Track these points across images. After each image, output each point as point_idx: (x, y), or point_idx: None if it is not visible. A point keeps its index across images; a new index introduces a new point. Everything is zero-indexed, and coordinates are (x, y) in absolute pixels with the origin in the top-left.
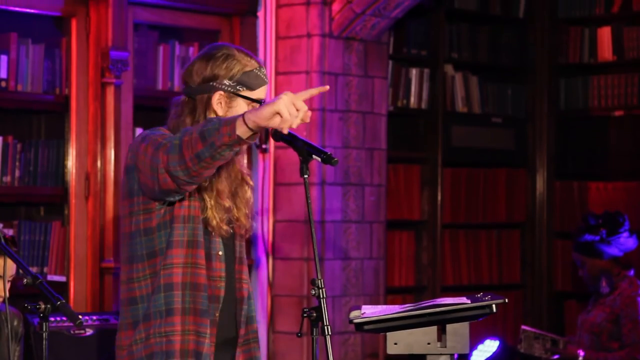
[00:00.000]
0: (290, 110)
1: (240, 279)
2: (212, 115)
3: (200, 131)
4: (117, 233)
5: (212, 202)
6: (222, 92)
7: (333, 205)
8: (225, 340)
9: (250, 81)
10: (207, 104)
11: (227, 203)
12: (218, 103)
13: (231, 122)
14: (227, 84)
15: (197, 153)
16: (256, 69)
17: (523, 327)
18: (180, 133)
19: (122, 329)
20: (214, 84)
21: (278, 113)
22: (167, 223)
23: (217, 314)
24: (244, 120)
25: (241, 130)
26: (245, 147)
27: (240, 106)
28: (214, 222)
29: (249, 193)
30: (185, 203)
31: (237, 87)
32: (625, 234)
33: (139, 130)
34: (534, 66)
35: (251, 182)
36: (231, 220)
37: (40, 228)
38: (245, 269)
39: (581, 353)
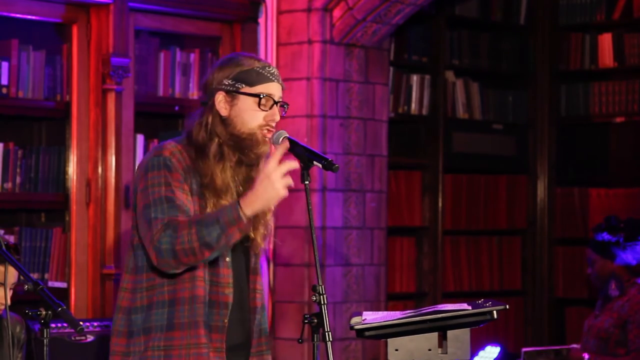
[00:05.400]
0: (280, 184)
1: (255, 289)
2: (216, 117)
3: (203, 242)
4: (118, 239)
5: (212, 202)
6: (223, 92)
7: (334, 212)
8: (237, 347)
9: (248, 78)
10: (212, 106)
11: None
12: (220, 103)
13: (235, 221)
14: (227, 82)
15: (206, 258)
16: (258, 67)
17: (523, 350)
18: (168, 234)
19: (116, 335)
20: (216, 86)
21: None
22: None
23: (226, 320)
24: (246, 216)
25: (248, 220)
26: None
27: (243, 102)
28: None
29: (269, 216)
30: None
31: (236, 85)
32: None
33: (139, 137)
34: (534, 72)
35: (272, 207)
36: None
37: (41, 234)
38: (260, 280)
39: (586, 356)
